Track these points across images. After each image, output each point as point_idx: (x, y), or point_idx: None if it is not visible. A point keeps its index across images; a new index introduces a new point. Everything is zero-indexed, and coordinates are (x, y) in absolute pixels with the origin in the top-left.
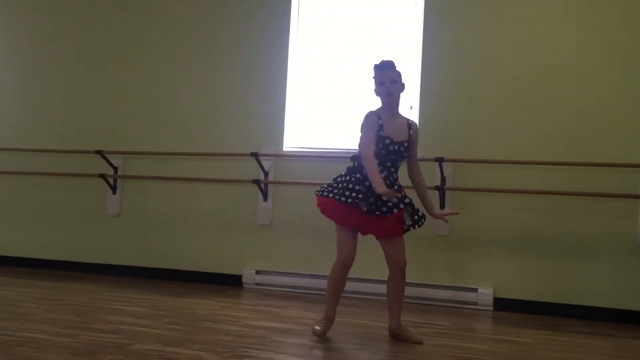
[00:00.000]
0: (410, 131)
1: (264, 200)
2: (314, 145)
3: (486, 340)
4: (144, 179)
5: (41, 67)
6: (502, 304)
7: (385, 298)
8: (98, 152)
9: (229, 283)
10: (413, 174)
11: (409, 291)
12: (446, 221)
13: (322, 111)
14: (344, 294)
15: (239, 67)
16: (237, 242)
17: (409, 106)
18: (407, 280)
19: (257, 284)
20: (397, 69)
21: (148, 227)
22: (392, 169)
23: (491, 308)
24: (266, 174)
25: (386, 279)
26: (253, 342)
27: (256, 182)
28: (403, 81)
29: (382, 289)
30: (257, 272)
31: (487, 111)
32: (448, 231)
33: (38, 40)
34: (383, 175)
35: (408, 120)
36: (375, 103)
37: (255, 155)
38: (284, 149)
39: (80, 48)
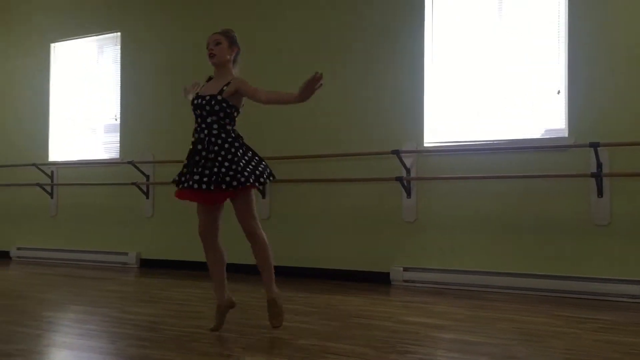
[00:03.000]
0: (225, 86)
1: (408, 197)
2: (456, 138)
3: None
4: (290, 182)
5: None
6: None
7: None
8: None
9: (377, 280)
10: (262, 100)
11: (569, 285)
12: (317, 82)
13: (463, 104)
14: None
15: (375, 65)
16: (383, 240)
17: (557, 91)
18: (567, 274)
19: (405, 281)
20: (232, 34)
21: (296, 228)
22: (203, 125)
23: None
24: (408, 170)
25: (549, 273)
26: (409, 338)
27: (399, 179)
28: (237, 46)
29: (535, 283)
30: (405, 269)
31: None
32: (608, 220)
33: (185, 55)
34: (196, 133)
35: (234, 78)
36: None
37: (396, 152)
38: (425, 144)
39: None
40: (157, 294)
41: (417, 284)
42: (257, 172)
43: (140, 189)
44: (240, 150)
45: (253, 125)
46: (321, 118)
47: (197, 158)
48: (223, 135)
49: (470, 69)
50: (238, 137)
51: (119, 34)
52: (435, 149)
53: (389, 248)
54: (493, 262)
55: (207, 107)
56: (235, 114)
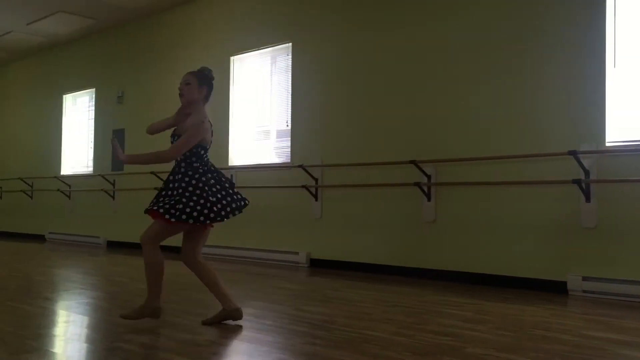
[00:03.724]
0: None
1: (587, 202)
2: None
3: None
4: (456, 185)
5: (359, 89)
6: None
7: None
8: (412, 162)
9: (552, 289)
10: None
11: None
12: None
13: None
14: None
15: (549, 61)
16: (559, 246)
17: None
18: None
19: (584, 291)
20: (203, 74)
21: (464, 232)
22: (175, 161)
23: None
24: (587, 172)
25: None
26: (595, 355)
27: (576, 182)
28: (207, 85)
29: None
30: (584, 279)
31: None
32: None
33: (352, 62)
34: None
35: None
36: None
37: (573, 153)
38: (607, 144)
39: (387, 65)
40: (329, 294)
41: (599, 295)
42: (196, 210)
43: (310, 191)
44: (202, 186)
45: (425, 127)
46: (491, 119)
47: (164, 186)
48: (190, 172)
49: None
50: (206, 173)
51: (290, 44)
52: (620, 149)
53: (566, 255)
54: None
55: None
56: (202, 151)
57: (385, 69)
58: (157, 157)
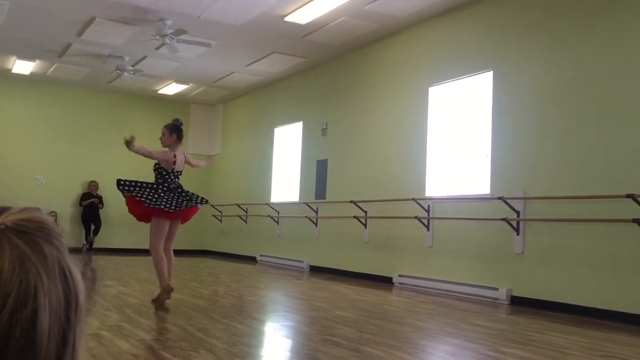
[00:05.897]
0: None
1: None
2: None
3: None
4: None
5: (565, 116)
6: None
7: None
8: (629, 195)
9: None
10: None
11: None
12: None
13: None
14: None
15: None
16: None
17: None
18: None
19: None
20: (169, 125)
21: None
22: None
23: None
24: None
25: None
26: None
27: None
28: (175, 131)
29: None
30: None
31: None
32: None
33: (557, 90)
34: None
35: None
36: None
37: None
38: None
39: (597, 88)
40: (531, 336)
41: None
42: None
43: (511, 224)
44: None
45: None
46: None
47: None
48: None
49: None
50: (156, 183)
51: (491, 72)
52: None
53: None
54: None
55: None
56: (154, 171)
57: (595, 92)
58: (150, 154)
